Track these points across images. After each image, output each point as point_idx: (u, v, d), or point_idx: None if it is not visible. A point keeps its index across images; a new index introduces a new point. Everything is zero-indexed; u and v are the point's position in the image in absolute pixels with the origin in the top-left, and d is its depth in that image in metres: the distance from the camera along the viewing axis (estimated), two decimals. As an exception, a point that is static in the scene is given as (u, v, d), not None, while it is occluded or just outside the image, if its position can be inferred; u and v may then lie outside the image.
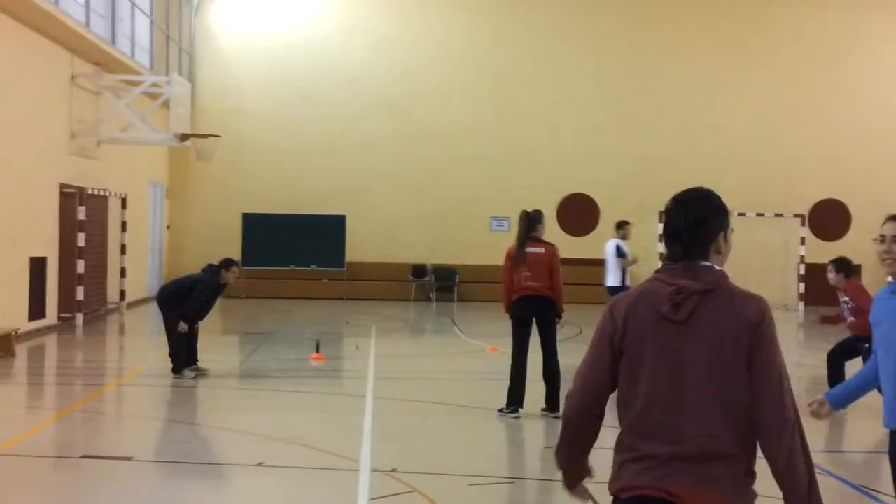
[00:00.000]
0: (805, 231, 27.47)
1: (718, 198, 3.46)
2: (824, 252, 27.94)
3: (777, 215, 27.55)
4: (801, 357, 17.16)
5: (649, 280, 3.40)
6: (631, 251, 15.94)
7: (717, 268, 3.36)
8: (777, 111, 28.31)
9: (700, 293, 3.25)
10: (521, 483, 8.12)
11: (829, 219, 28.27)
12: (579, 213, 27.75)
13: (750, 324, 3.22)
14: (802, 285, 26.96)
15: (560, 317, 10.53)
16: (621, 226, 16.02)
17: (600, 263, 28.23)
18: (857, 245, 27.93)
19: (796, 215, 27.59)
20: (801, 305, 26.65)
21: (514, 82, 28.10)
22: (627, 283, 15.55)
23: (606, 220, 26.67)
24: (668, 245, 3.39)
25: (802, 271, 27.07)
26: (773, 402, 3.19)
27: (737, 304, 3.25)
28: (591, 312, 23.62)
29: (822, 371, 15.67)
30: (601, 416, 3.47)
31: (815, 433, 10.34)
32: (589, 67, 28.20)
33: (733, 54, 28.32)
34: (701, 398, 3.19)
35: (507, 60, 28.17)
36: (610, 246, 15.72)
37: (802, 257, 27.27)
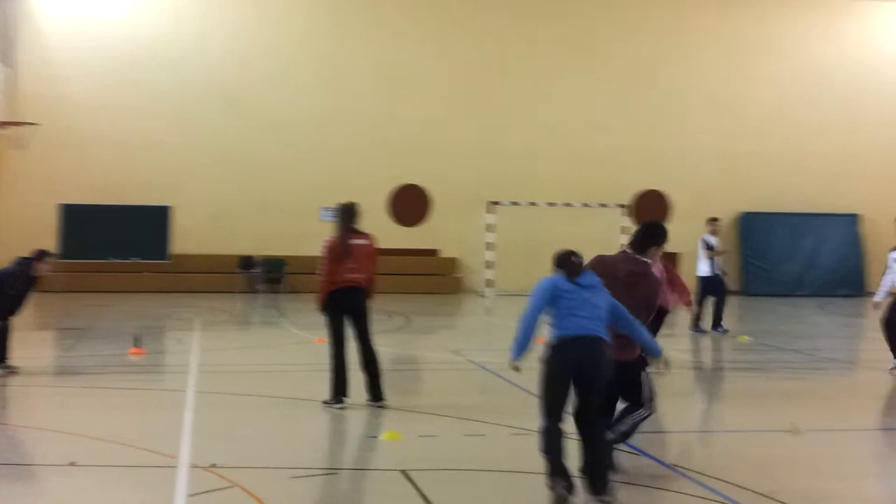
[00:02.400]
0: (627, 221, 28.33)
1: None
2: (645, 241, 28.90)
3: (602, 206, 28.32)
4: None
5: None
6: (720, 243, 18.35)
7: None
8: (602, 104, 29.04)
9: None
10: (343, 473, 8.04)
11: (649, 208, 29.17)
12: (411, 203, 27.79)
13: None
14: (625, 273, 27.76)
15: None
16: (710, 222, 18.19)
17: (429, 254, 28.50)
18: (676, 233, 28.95)
19: (619, 205, 28.42)
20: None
21: (351, 72, 27.91)
22: (717, 271, 17.74)
23: (439, 211, 26.82)
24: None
25: (625, 260, 27.86)
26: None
27: None
28: (417, 303, 23.70)
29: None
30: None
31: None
32: (427, 59, 28.29)
33: (565, 49, 28.91)
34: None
35: (345, 49, 27.96)
36: (701, 241, 17.94)
37: (623, 246, 28.05)
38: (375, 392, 10.32)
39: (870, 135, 30.21)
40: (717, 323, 17.58)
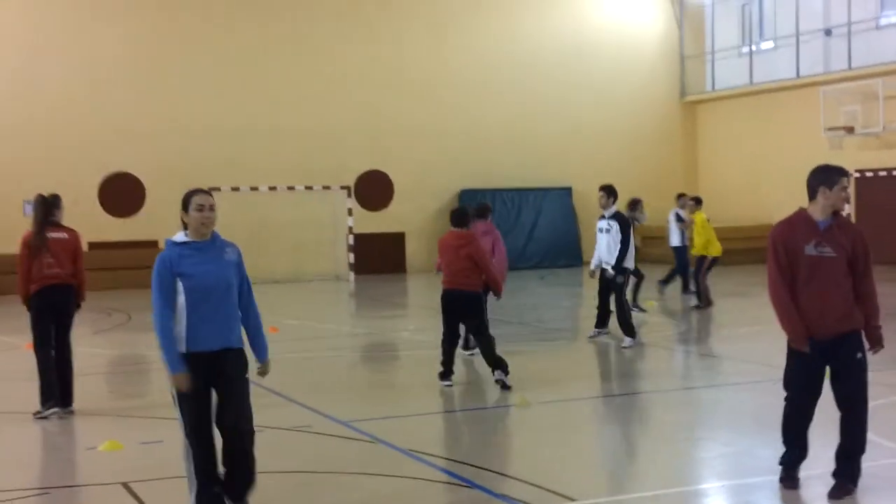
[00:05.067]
0: (352, 202, 28.20)
1: None
2: (371, 222, 28.88)
3: (325, 188, 28.01)
4: (353, 327, 17.36)
5: None
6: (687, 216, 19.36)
7: None
8: (323, 85, 28.56)
9: None
10: (57, 492, 7.27)
11: (373, 189, 29.18)
12: (123, 192, 26.36)
13: None
14: (352, 255, 27.71)
15: (80, 306, 9.85)
16: (679, 197, 19.83)
17: (150, 245, 26.95)
18: (398, 213, 29.15)
19: (343, 187, 28.22)
20: (352, 276, 27.41)
21: (45, 56, 26.00)
22: (686, 242, 19.33)
23: (154, 199, 25.63)
24: None
25: (351, 241, 27.81)
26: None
27: None
28: (137, 298, 22.15)
29: (378, 338, 16.08)
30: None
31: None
32: (124, 40, 26.81)
33: (279, 26, 28.22)
34: None
35: (37, 31, 26.02)
36: (671, 215, 19.66)
37: (350, 228, 28.01)
38: (66, 398, 9.63)
39: (578, 111, 31.46)
40: (686, 288, 19.63)
